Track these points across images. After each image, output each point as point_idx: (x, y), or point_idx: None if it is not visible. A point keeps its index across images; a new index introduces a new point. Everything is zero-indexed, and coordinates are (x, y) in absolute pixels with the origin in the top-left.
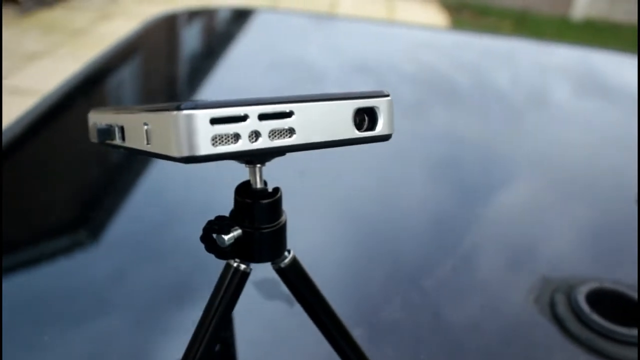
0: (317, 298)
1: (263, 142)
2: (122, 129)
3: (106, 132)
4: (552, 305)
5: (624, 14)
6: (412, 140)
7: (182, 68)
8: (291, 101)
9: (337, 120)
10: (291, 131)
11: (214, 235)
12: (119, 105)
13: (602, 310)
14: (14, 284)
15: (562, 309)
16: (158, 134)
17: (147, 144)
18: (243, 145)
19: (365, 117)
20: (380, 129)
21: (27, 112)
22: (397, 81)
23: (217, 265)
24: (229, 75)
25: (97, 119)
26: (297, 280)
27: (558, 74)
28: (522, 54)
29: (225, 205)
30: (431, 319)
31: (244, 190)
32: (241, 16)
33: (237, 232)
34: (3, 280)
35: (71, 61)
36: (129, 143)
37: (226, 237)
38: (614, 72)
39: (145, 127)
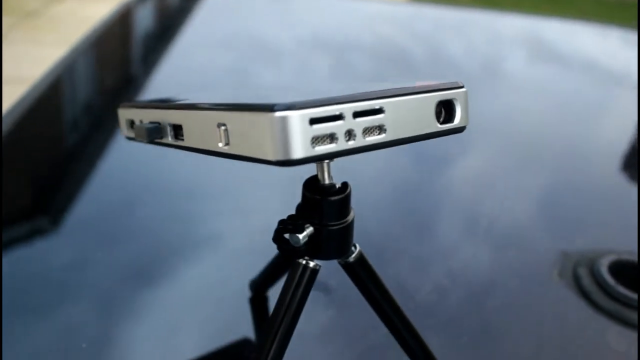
0: (383, 293)
1: (357, 141)
2: (176, 128)
3: (156, 131)
4: (577, 279)
5: None
6: None
7: (140, 52)
8: (381, 97)
9: (421, 114)
10: (380, 128)
11: (287, 235)
12: (152, 99)
13: (623, 282)
14: None
15: (587, 282)
16: (243, 135)
17: (225, 145)
18: (339, 145)
19: (442, 110)
20: (457, 120)
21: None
22: (355, 55)
23: (178, 247)
24: (188, 56)
25: (133, 115)
26: (364, 275)
27: (512, 43)
28: (477, 24)
29: (186, 187)
30: (463, 301)
31: (312, 186)
32: None
33: (309, 230)
34: None
35: (24, 43)
36: (190, 143)
37: (301, 236)
38: (566, 40)
39: (222, 127)
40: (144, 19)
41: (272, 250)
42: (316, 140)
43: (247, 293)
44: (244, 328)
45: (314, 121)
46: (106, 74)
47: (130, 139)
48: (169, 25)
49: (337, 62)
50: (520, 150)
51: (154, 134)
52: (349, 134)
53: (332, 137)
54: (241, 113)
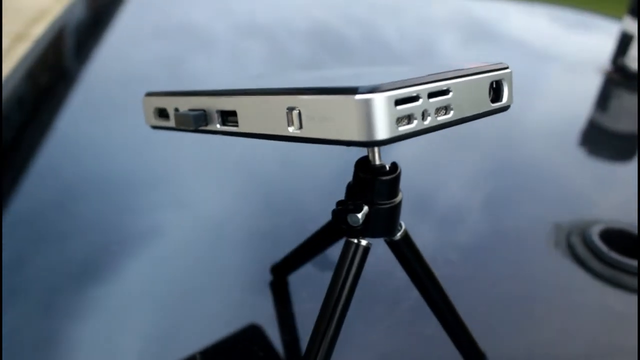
0: (427, 272)
1: (431, 121)
2: (227, 114)
3: (201, 118)
4: (571, 248)
5: None
6: None
7: (71, 46)
8: (448, 78)
9: (478, 94)
10: (447, 108)
11: (347, 216)
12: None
13: (615, 248)
14: None
15: (581, 250)
16: (321, 119)
17: (298, 128)
18: (417, 125)
19: (491, 90)
20: (505, 99)
21: None
22: (288, 39)
23: (121, 242)
24: (121, 48)
25: (167, 103)
26: (409, 254)
27: (445, 24)
28: (411, 6)
29: (128, 180)
30: (470, 276)
31: (365, 167)
32: None
33: (365, 209)
34: None
35: None
36: (247, 128)
37: (360, 215)
38: (502, 20)
39: (294, 111)
40: (74, 11)
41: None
42: (399, 120)
43: (269, 277)
44: (267, 312)
45: (398, 102)
46: (38, 67)
47: (157, 127)
48: (99, 17)
49: (272, 49)
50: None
51: (199, 121)
52: (424, 114)
53: (410, 118)
54: (319, 97)
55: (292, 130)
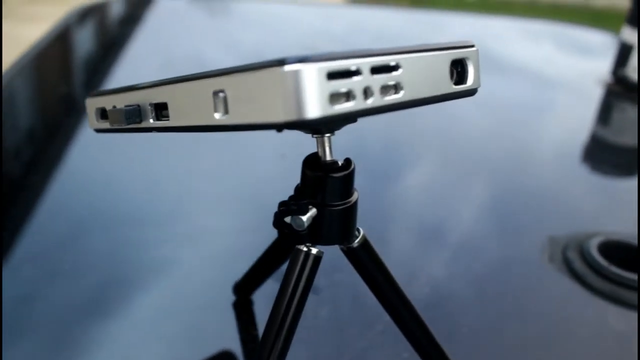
0: (389, 281)
1: (375, 100)
2: (159, 106)
3: (135, 114)
4: (568, 263)
5: None
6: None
7: (81, 74)
8: (397, 52)
9: (436, 73)
10: (397, 87)
11: (288, 219)
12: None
13: (614, 262)
14: None
15: (579, 265)
16: (246, 100)
17: (224, 114)
18: (358, 104)
19: (454, 71)
20: (471, 82)
21: None
22: None
23: (130, 278)
24: (129, 70)
25: (105, 102)
26: (369, 263)
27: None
28: (418, 26)
29: (135, 215)
30: (460, 290)
31: (313, 163)
32: (144, 3)
33: (313, 212)
34: None
35: None
36: (177, 121)
37: (305, 218)
38: (505, 39)
39: (221, 94)
40: (85, 40)
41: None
42: (334, 97)
43: (231, 298)
44: (232, 333)
45: (331, 76)
46: (46, 102)
47: (101, 131)
48: (110, 45)
49: None
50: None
51: (133, 117)
52: (367, 92)
53: (348, 95)
54: (243, 74)
55: (218, 117)
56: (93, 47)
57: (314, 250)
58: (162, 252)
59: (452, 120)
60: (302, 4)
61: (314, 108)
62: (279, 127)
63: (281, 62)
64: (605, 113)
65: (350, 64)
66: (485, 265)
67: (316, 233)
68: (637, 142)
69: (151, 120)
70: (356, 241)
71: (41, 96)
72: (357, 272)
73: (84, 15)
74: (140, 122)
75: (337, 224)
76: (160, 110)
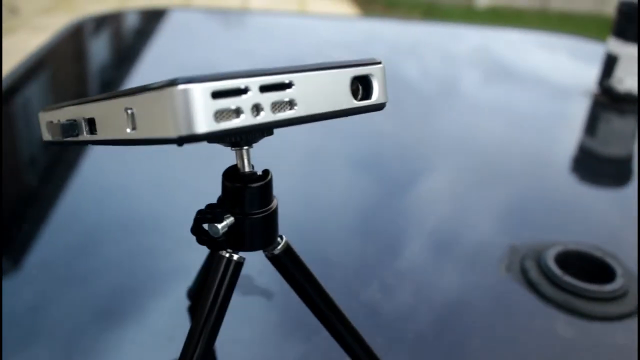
0: (314, 285)
1: (266, 116)
2: (90, 121)
3: (71, 128)
4: (524, 272)
5: (524, 0)
6: (325, 136)
7: (97, 74)
8: (290, 71)
9: (335, 89)
10: (291, 103)
11: (206, 226)
12: (74, 99)
13: (571, 271)
14: None
15: (535, 274)
16: (148, 116)
17: (132, 129)
18: (246, 119)
19: (359, 86)
20: (376, 97)
21: None
22: None
23: (144, 288)
24: (145, 79)
25: (53, 116)
26: (292, 268)
27: (463, 57)
28: (429, 39)
29: (149, 222)
30: (414, 298)
31: (232, 175)
32: (153, 17)
33: (229, 220)
34: None
35: None
36: (102, 135)
37: (220, 226)
38: (517, 51)
39: (129, 111)
40: (100, 44)
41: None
42: (220, 114)
43: (186, 303)
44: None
45: (216, 95)
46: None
47: (50, 143)
48: (125, 51)
49: None
50: (467, 156)
51: (68, 131)
52: (257, 109)
53: (237, 112)
54: (146, 93)
55: (129, 132)
56: (93, 59)
57: (235, 257)
58: (173, 259)
59: (444, 129)
60: (315, 16)
61: (201, 124)
62: (176, 141)
63: (173, 82)
64: (590, 123)
65: (238, 83)
66: (442, 272)
67: (237, 240)
68: (621, 152)
69: (85, 134)
70: (278, 247)
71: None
72: (282, 277)
73: (82, 27)
74: (77, 135)
75: (257, 231)
76: (92, 125)
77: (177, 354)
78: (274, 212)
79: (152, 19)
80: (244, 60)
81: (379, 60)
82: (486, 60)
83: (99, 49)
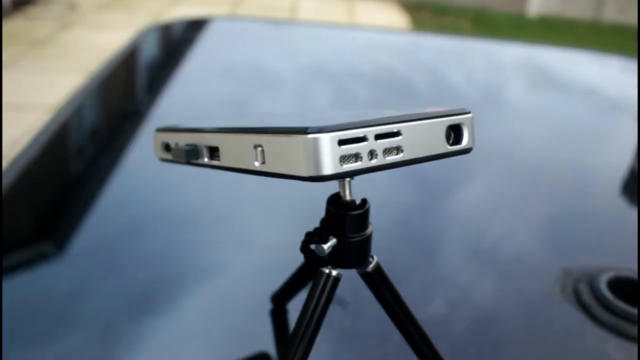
0: (399, 302)
1: (378, 160)
2: (213, 149)
3: (193, 153)
4: (577, 294)
5: (576, 10)
6: None
7: (145, 84)
8: (399, 121)
9: (433, 136)
10: (398, 149)
11: (313, 246)
12: (189, 124)
13: (622, 297)
14: None
15: (587, 297)
16: (278, 155)
17: (261, 163)
18: (363, 163)
19: (451, 133)
20: (465, 142)
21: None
22: (356, 84)
23: (178, 277)
24: (194, 87)
25: (170, 138)
26: (381, 285)
27: (514, 72)
28: (477, 54)
29: (189, 217)
30: (470, 314)
31: (335, 202)
32: (201, 26)
33: (333, 242)
34: None
35: (34, 73)
36: (226, 163)
37: (325, 246)
38: (565, 68)
39: (259, 148)
40: (149, 51)
41: (293, 265)
42: (343, 158)
43: (269, 306)
44: (267, 339)
45: (342, 142)
46: (113, 106)
47: (164, 160)
48: (172, 56)
49: (338, 91)
50: (523, 175)
51: (191, 155)
52: (371, 154)
53: (357, 156)
54: (277, 136)
55: (257, 165)
56: (156, 65)
57: (334, 273)
58: (212, 256)
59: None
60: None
61: (328, 167)
62: (303, 179)
63: (304, 130)
64: None
65: (359, 132)
66: (495, 292)
67: (336, 259)
68: None
69: (205, 159)
70: (370, 267)
71: (107, 107)
72: (371, 292)
73: (148, 35)
74: (197, 159)
75: (354, 252)
76: (213, 152)
77: (208, 342)
78: (370, 237)
79: (199, 29)
80: (292, 68)
81: (468, 111)
82: (535, 77)
83: (152, 61)
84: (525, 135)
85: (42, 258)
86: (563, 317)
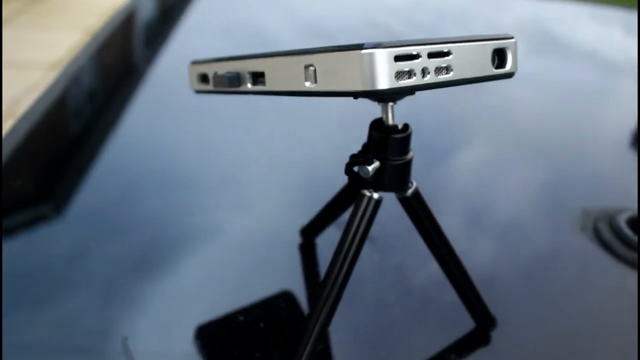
0: (436, 228)
1: (430, 78)
2: (257, 75)
3: (236, 79)
4: (597, 232)
5: None
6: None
7: (141, 44)
8: (450, 42)
9: (480, 58)
10: (448, 68)
11: (356, 168)
12: (225, 56)
13: None
14: None
15: (607, 235)
16: (332, 73)
17: (313, 83)
18: (417, 80)
19: (496, 57)
20: (509, 66)
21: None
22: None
23: (179, 238)
24: (194, 45)
25: (208, 69)
26: (419, 210)
27: (513, 30)
28: (475, 11)
29: (190, 178)
30: (496, 250)
31: (379, 126)
32: None
33: (376, 164)
34: None
35: (33, 30)
36: (272, 87)
37: (370, 168)
38: (566, 25)
39: (310, 68)
40: (144, 12)
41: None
42: (399, 74)
43: (298, 240)
44: (297, 269)
45: (397, 58)
46: (110, 66)
47: (200, 92)
48: (168, 17)
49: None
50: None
51: (234, 82)
52: (424, 72)
53: (410, 73)
54: (332, 53)
55: (308, 85)
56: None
57: (375, 195)
58: (242, 198)
59: (509, 100)
60: None
61: (384, 81)
62: (356, 94)
63: (360, 47)
64: None
65: (413, 50)
66: (522, 233)
67: (378, 181)
68: None
69: (249, 85)
70: (409, 191)
71: (107, 67)
72: (409, 217)
73: None
74: (239, 86)
75: (396, 175)
76: (257, 77)
77: (239, 277)
78: (410, 161)
79: None
80: (288, 28)
81: (512, 36)
82: (535, 32)
83: (149, 22)
84: (534, 100)
85: (44, 219)
86: (584, 253)
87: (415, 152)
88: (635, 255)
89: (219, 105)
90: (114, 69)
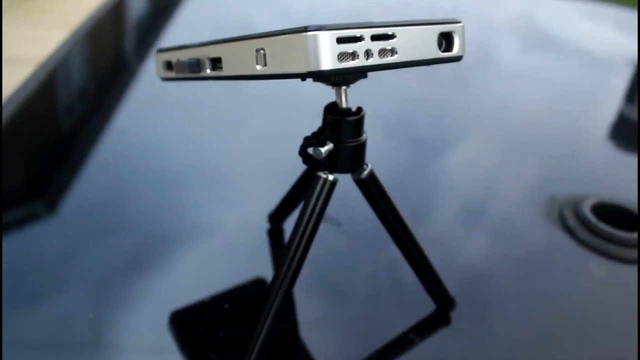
0: (392, 209)
1: (374, 60)
2: (215, 61)
3: (196, 65)
4: (562, 219)
5: None
6: (362, 99)
7: (133, 38)
8: (394, 25)
9: (425, 42)
10: (393, 51)
11: (310, 149)
12: (189, 43)
13: (605, 220)
14: None
15: (572, 221)
16: (279, 55)
17: (263, 66)
18: (360, 62)
19: (443, 41)
20: (456, 50)
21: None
22: None
23: (173, 235)
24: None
25: (171, 56)
26: (374, 191)
27: (504, 26)
28: (467, 8)
29: (183, 176)
30: (462, 237)
31: (332, 109)
32: None
33: (329, 146)
34: None
35: (23, 26)
36: (228, 71)
37: (323, 150)
38: (559, 22)
39: (261, 51)
40: (136, 6)
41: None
42: (342, 56)
43: (266, 226)
44: (266, 254)
45: (340, 40)
46: (101, 62)
47: (166, 79)
48: (160, 11)
49: None
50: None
51: (194, 68)
52: (367, 53)
53: (353, 55)
54: (279, 36)
55: (259, 69)
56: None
57: (330, 177)
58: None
59: (489, 90)
60: None
61: (327, 62)
62: (303, 76)
63: (305, 29)
64: (631, 91)
65: (355, 32)
66: (488, 218)
67: (333, 163)
68: None
69: (208, 71)
70: (364, 173)
71: (96, 58)
72: (365, 199)
73: None
74: (199, 72)
75: (349, 157)
76: (215, 63)
77: (210, 260)
78: (364, 144)
79: None
80: (280, 19)
81: (459, 20)
82: (528, 29)
83: (140, 16)
84: (518, 95)
85: (37, 216)
86: (548, 238)
87: (401, 144)
88: (599, 241)
89: (197, 96)
90: (101, 63)
